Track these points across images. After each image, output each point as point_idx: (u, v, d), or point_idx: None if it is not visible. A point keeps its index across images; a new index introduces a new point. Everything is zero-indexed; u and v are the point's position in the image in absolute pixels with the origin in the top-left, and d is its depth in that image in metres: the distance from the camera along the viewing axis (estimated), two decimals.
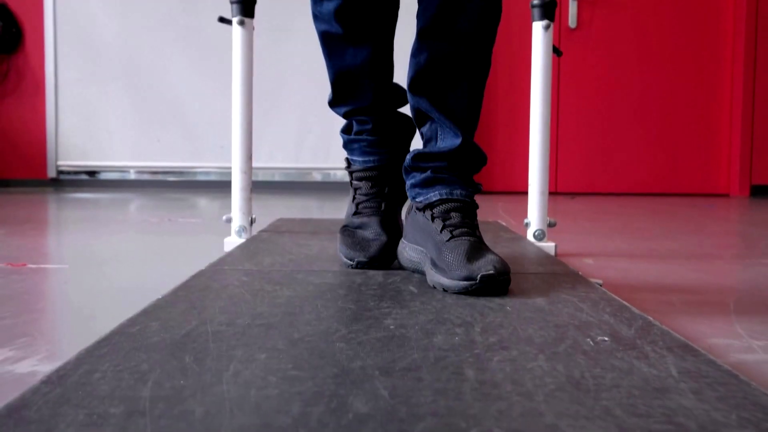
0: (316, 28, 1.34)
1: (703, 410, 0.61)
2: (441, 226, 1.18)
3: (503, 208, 3.54)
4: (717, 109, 4.74)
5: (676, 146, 4.75)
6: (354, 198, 1.40)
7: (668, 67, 4.70)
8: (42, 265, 1.67)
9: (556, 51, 1.85)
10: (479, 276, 1.06)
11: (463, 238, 1.15)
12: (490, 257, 1.10)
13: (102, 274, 1.60)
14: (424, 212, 1.23)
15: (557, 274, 1.27)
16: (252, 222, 1.82)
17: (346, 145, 1.43)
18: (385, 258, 1.31)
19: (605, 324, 0.91)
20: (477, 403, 0.62)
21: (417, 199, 1.26)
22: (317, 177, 4.70)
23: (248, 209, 1.80)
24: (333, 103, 1.42)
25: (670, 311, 1.25)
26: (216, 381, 0.66)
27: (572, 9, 4.63)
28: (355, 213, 1.37)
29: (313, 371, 0.70)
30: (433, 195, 1.23)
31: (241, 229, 1.79)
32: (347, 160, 1.44)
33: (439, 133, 1.25)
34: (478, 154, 1.27)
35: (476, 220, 1.23)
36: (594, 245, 2.18)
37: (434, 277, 1.13)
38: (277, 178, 4.67)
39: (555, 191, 4.74)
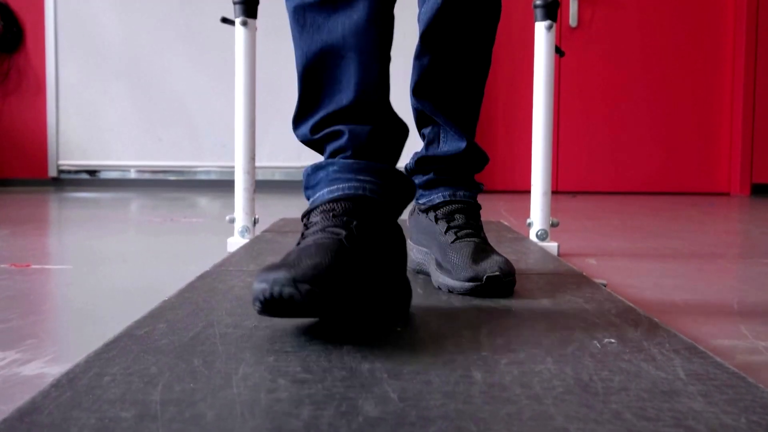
0: (289, 6, 1.00)
1: (713, 413, 0.61)
2: (445, 228, 1.18)
3: (505, 207, 3.54)
4: (718, 107, 4.74)
5: (677, 145, 4.75)
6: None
7: (669, 65, 4.71)
8: (46, 266, 1.67)
9: (559, 51, 1.85)
10: (485, 277, 1.06)
11: (468, 239, 1.15)
12: (495, 258, 1.11)
13: (106, 274, 1.60)
14: (427, 214, 1.23)
15: (561, 275, 1.28)
16: (255, 222, 1.82)
17: (308, 185, 0.97)
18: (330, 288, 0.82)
19: (611, 326, 0.91)
20: (486, 407, 0.62)
21: (420, 201, 1.26)
22: None
23: (251, 209, 1.80)
24: (299, 116, 1.00)
25: (673, 311, 1.25)
26: (226, 384, 0.67)
27: (573, 8, 4.64)
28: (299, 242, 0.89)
29: (321, 374, 0.70)
30: (437, 197, 1.23)
31: (245, 230, 1.79)
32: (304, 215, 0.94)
33: (441, 135, 1.25)
34: (481, 155, 1.27)
35: (480, 220, 1.23)
36: (596, 244, 2.18)
37: (439, 278, 1.13)
38: (277, 177, 4.67)
39: (556, 190, 4.74)
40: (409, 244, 1.28)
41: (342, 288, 0.77)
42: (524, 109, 4.57)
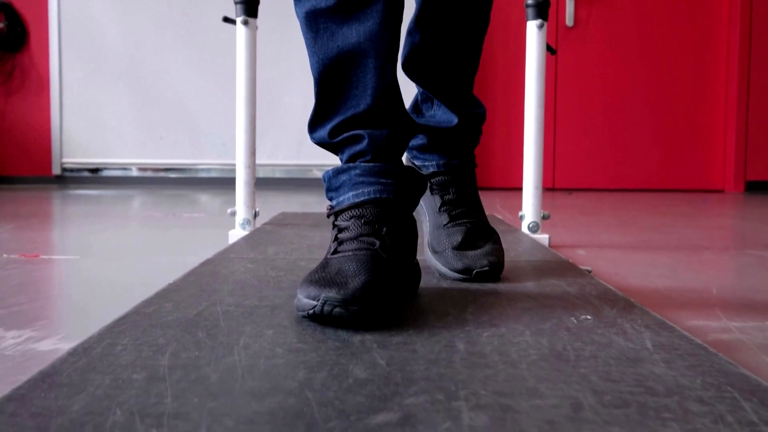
0: (299, 12, 0.99)
1: (672, 376, 0.67)
2: (440, 203, 1.20)
3: (501, 203, 3.60)
4: (712, 105, 4.80)
5: (672, 143, 4.81)
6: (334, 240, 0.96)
7: (664, 64, 4.76)
8: (53, 256, 1.73)
9: (550, 49, 1.91)
10: (475, 272, 1.11)
11: (462, 221, 1.18)
12: (486, 248, 1.14)
13: (112, 264, 1.66)
14: None
15: (548, 262, 1.34)
16: (255, 215, 1.88)
17: (330, 187, 1.01)
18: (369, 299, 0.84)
19: (590, 305, 0.97)
20: (466, 371, 0.68)
21: (415, 162, 1.26)
22: (318, 174, 4.76)
23: (252, 203, 1.86)
24: (315, 120, 1.02)
25: (654, 296, 1.31)
26: (228, 352, 0.73)
27: (569, 8, 4.69)
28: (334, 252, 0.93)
29: (316, 344, 0.76)
30: (431, 164, 1.23)
31: (245, 222, 1.85)
32: (329, 208, 1.00)
33: (435, 100, 1.25)
34: (477, 118, 1.24)
35: (475, 188, 1.23)
36: (587, 238, 2.24)
37: (431, 259, 1.18)
38: (278, 174, 4.73)
39: (553, 187, 4.80)
40: None
41: (383, 301, 0.84)
42: (521, 107, 4.62)
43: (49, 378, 0.64)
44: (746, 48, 4.67)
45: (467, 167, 1.24)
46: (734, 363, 0.70)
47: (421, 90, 1.25)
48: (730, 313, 1.17)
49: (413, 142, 1.24)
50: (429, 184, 1.21)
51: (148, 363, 0.69)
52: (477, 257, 1.13)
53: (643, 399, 0.61)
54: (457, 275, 1.13)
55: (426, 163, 1.24)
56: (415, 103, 1.28)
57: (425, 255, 1.21)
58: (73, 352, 0.72)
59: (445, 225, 1.18)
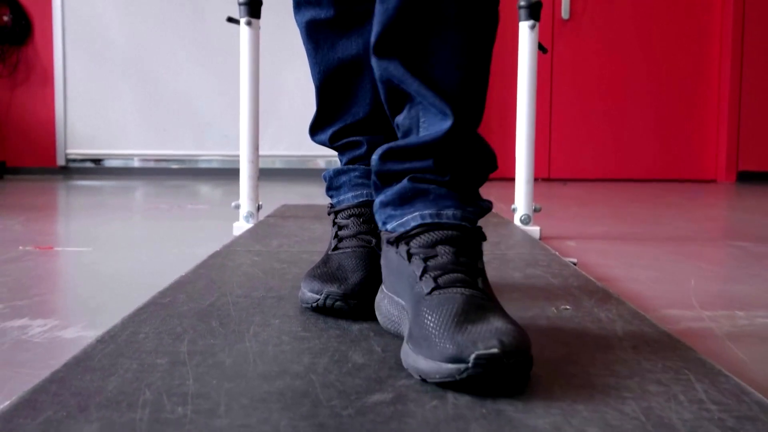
0: (299, 20, 1.05)
1: (636, 360, 0.75)
2: (421, 269, 0.76)
3: (496, 195, 3.68)
4: (705, 97, 4.87)
5: (666, 134, 4.89)
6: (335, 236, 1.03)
7: (657, 56, 4.83)
8: (67, 248, 1.81)
9: (542, 48, 1.98)
10: (473, 357, 0.63)
11: (455, 288, 0.73)
12: (495, 324, 0.68)
13: (124, 255, 1.74)
14: (397, 246, 0.81)
15: (536, 255, 1.42)
16: (259, 208, 1.96)
17: (331, 186, 1.07)
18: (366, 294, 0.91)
19: (570, 296, 1.05)
20: None
21: (387, 226, 0.84)
22: (321, 164, 4.84)
23: (256, 196, 1.94)
24: (316, 125, 1.07)
25: (634, 286, 1.39)
26: (239, 340, 0.81)
27: (565, 0, 4.75)
28: (335, 249, 1.00)
29: (319, 332, 0.84)
30: (411, 218, 0.81)
31: (249, 215, 1.93)
32: (330, 206, 1.07)
33: (421, 119, 0.82)
34: (482, 149, 0.83)
35: (480, 256, 0.79)
36: (579, 229, 2.32)
37: (409, 356, 0.70)
38: (278, 165, 4.81)
39: (548, 177, 4.88)
40: (383, 291, 0.86)
41: (375, 292, 0.91)
42: (516, 96, 4.68)
43: (83, 363, 0.72)
44: (739, 40, 4.74)
45: (468, 225, 0.80)
46: (693, 349, 0.79)
47: (401, 117, 0.84)
48: (705, 303, 1.25)
49: (388, 194, 0.84)
50: (406, 249, 0.79)
51: (169, 349, 0.77)
52: (477, 335, 0.65)
53: (607, 381, 0.69)
54: (446, 368, 0.64)
55: (405, 218, 0.82)
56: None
57: (402, 353, 0.73)
58: (101, 340, 0.80)
59: (427, 294, 0.74)
